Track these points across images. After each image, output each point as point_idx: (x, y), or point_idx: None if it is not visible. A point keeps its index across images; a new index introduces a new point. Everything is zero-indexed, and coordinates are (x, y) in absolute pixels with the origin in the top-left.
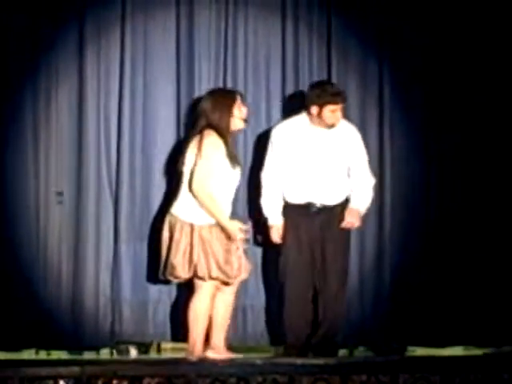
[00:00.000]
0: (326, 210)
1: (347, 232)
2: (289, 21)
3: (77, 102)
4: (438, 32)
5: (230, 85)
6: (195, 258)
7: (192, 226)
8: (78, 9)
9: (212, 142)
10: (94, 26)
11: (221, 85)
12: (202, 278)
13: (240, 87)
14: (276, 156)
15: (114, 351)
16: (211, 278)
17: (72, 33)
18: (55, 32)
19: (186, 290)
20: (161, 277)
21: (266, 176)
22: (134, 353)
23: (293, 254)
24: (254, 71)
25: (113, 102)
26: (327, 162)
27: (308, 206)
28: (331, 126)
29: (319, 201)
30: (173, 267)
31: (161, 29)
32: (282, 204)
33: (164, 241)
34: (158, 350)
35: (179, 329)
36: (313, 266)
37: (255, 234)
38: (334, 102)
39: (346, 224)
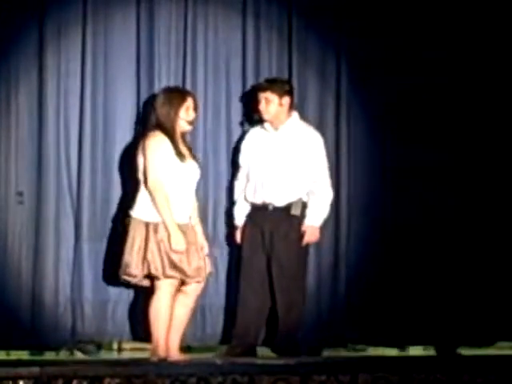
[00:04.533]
0: (277, 210)
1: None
2: (249, 18)
3: (37, 102)
4: (396, 28)
5: (189, 83)
6: (149, 255)
7: (147, 224)
8: (38, 8)
9: (154, 141)
10: (55, 26)
11: (181, 83)
12: (156, 277)
13: (200, 85)
14: (239, 161)
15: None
16: (166, 276)
17: (32, 32)
18: (15, 32)
19: (146, 290)
20: (120, 278)
21: (235, 180)
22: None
23: (247, 253)
24: (214, 69)
25: (73, 102)
26: (277, 164)
27: (262, 207)
28: (266, 119)
29: (270, 201)
30: (127, 265)
31: (121, 28)
32: (245, 206)
33: (122, 241)
34: (119, 349)
35: (140, 328)
36: (268, 267)
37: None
38: (259, 89)
39: (304, 243)
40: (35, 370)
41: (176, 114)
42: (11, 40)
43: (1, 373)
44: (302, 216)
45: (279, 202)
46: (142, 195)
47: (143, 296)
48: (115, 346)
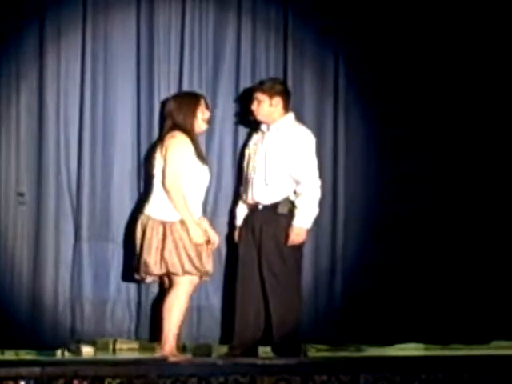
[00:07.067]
0: (266, 209)
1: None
2: (245, 19)
3: (37, 102)
4: (394, 28)
5: (186, 85)
6: (167, 254)
7: (164, 224)
8: (38, 9)
9: (177, 140)
10: (54, 27)
11: (178, 84)
12: (175, 274)
13: (196, 87)
14: (242, 162)
15: (65, 351)
16: (185, 272)
17: (32, 33)
18: (15, 32)
19: (148, 288)
20: (136, 276)
21: (239, 182)
22: (88, 351)
23: (241, 253)
24: (211, 71)
25: (73, 102)
26: (264, 163)
27: (254, 206)
28: (260, 119)
29: (259, 200)
30: (146, 265)
31: (121, 29)
32: (244, 207)
33: (137, 240)
34: (113, 349)
35: (140, 328)
36: (260, 266)
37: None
38: (251, 90)
39: (290, 243)
40: (36, 369)
41: (194, 114)
42: (11, 41)
43: (2, 373)
44: (291, 215)
45: (266, 200)
46: (159, 195)
47: (145, 296)
48: (111, 345)
